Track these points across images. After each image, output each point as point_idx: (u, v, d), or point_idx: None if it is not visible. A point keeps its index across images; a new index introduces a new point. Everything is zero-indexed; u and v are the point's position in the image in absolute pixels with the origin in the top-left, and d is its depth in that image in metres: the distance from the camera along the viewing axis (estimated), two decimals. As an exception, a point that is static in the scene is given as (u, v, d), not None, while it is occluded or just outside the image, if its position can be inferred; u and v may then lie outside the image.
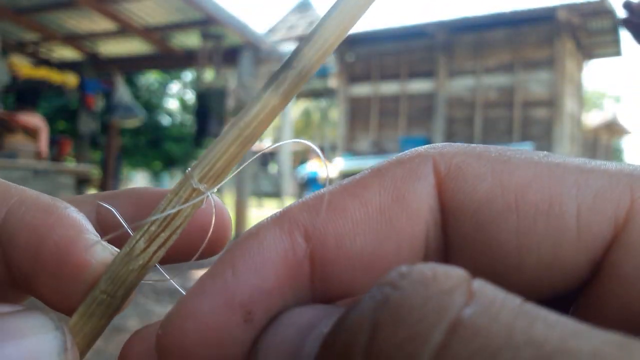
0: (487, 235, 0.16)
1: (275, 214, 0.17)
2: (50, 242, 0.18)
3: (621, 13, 1.43)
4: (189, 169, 0.18)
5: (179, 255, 0.22)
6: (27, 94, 5.44)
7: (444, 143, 0.18)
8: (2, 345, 0.16)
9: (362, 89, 10.14)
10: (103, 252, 0.19)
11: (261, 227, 0.17)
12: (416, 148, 0.18)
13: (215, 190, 0.18)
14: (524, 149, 0.17)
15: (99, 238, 0.19)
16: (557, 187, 0.16)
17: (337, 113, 12.15)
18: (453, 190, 0.17)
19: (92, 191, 7.76)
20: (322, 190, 0.17)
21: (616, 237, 0.15)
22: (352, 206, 0.16)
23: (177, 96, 14.64)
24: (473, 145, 0.17)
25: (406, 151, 0.18)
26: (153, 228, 0.18)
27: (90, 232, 0.19)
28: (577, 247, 0.15)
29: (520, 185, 0.16)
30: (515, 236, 0.16)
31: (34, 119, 5.07)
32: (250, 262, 0.16)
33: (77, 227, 0.19)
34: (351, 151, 10.04)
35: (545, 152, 0.17)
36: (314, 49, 0.17)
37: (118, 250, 0.19)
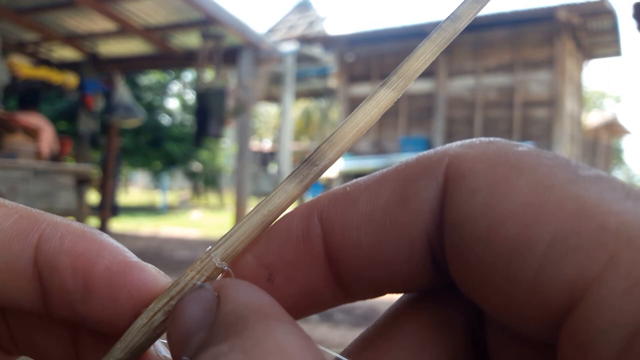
0: (465, 251, 0.16)
1: (306, 201, 0.19)
2: (100, 267, 0.19)
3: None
4: (210, 247, 0.19)
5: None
6: (28, 95, 5.45)
7: (473, 141, 0.17)
8: None
9: (362, 89, 10.13)
10: (159, 274, 0.20)
11: (293, 210, 0.19)
12: (442, 147, 0.18)
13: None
14: (559, 160, 0.16)
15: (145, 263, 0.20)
16: (532, 230, 0.14)
17: (337, 113, 12.14)
18: (451, 198, 0.16)
19: (92, 191, 7.75)
20: (348, 182, 0.19)
21: (571, 307, 0.14)
22: (363, 199, 0.17)
23: (177, 96, 14.62)
24: (501, 145, 0.16)
25: (430, 150, 0.18)
26: (173, 302, 0.19)
27: (135, 257, 0.20)
28: (531, 303, 0.14)
29: (500, 215, 0.15)
30: (479, 265, 0.15)
31: (35, 119, 5.07)
32: (278, 235, 0.19)
33: (122, 252, 0.20)
34: (351, 151, 10.04)
35: (577, 167, 0.15)
36: (334, 150, 0.19)
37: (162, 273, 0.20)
